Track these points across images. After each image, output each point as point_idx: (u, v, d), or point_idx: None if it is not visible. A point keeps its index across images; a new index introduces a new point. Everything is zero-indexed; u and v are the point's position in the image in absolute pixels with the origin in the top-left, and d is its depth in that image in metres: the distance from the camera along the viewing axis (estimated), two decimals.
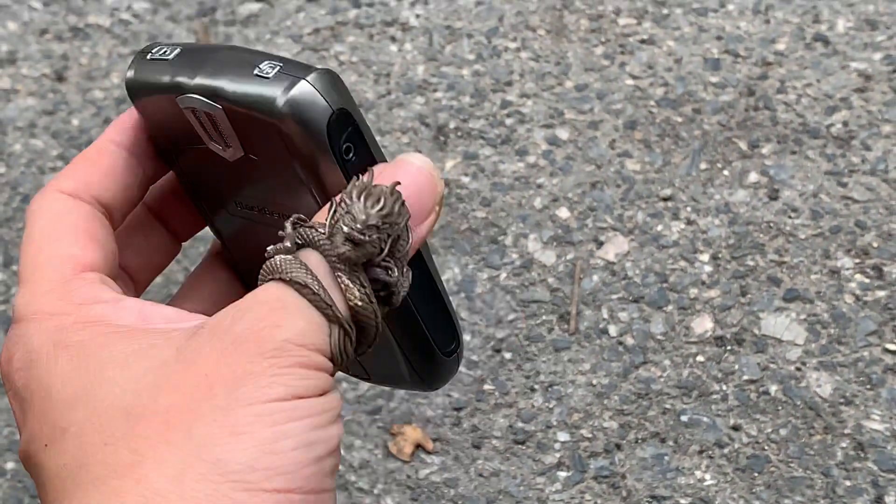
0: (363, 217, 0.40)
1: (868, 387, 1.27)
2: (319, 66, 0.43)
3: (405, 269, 0.41)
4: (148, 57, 0.46)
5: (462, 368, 1.30)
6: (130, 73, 0.46)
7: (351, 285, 0.40)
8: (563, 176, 1.45)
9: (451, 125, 1.51)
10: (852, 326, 1.31)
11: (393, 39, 1.60)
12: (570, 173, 1.46)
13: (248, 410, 0.37)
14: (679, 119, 1.50)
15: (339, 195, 0.41)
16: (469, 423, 1.27)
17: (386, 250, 0.40)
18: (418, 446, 1.26)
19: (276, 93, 0.42)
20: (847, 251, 1.37)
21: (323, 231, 0.40)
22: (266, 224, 0.48)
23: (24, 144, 1.51)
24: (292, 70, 0.43)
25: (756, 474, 1.22)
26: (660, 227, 1.40)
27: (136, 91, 0.46)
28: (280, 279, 0.39)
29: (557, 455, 1.25)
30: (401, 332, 0.46)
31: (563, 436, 1.26)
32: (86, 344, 0.40)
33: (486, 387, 1.30)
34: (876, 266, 1.36)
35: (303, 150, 0.43)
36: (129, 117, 0.47)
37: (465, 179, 1.45)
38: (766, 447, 1.24)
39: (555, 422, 1.27)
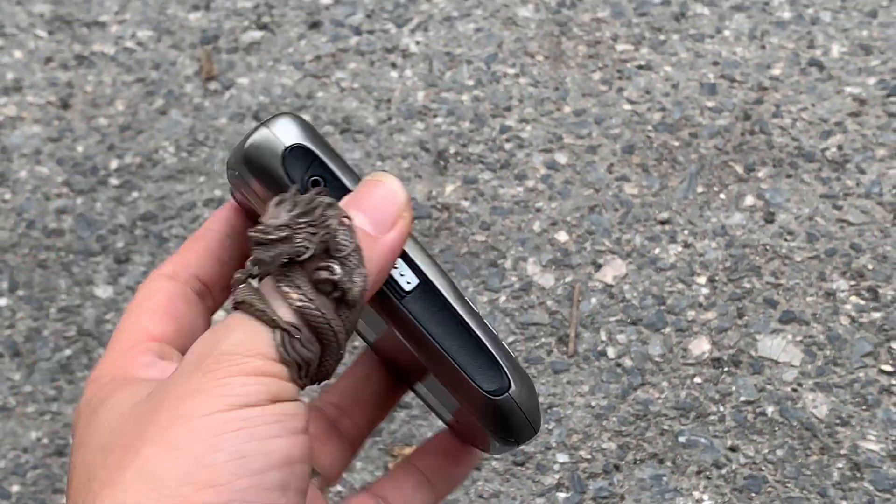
0: (269, 221, 0.42)
1: (864, 408, 1.28)
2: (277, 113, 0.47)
3: (356, 268, 0.42)
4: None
5: None
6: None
7: (287, 290, 0.41)
8: (562, 200, 1.47)
9: (451, 150, 1.52)
10: (848, 348, 1.33)
11: (393, 66, 1.62)
12: (568, 197, 1.47)
13: (184, 426, 0.38)
14: (676, 143, 1.52)
15: None
16: None
17: (312, 249, 0.41)
18: None
19: (244, 142, 0.46)
20: (842, 273, 1.39)
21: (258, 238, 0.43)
22: None
23: (30, 171, 1.53)
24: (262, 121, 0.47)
25: (753, 495, 1.23)
26: (657, 250, 1.42)
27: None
28: (233, 306, 0.42)
29: (557, 476, 1.26)
30: (441, 373, 0.47)
31: (562, 457, 1.27)
32: (104, 402, 0.42)
33: None
34: (871, 288, 1.38)
35: (260, 190, 0.46)
36: (230, 206, 0.50)
37: (465, 203, 1.47)
38: (763, 468, 1.25)
39: (554, 443, 1.28)
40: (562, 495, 1.25)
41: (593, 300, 1.38)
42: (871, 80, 1.56)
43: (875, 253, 1.40)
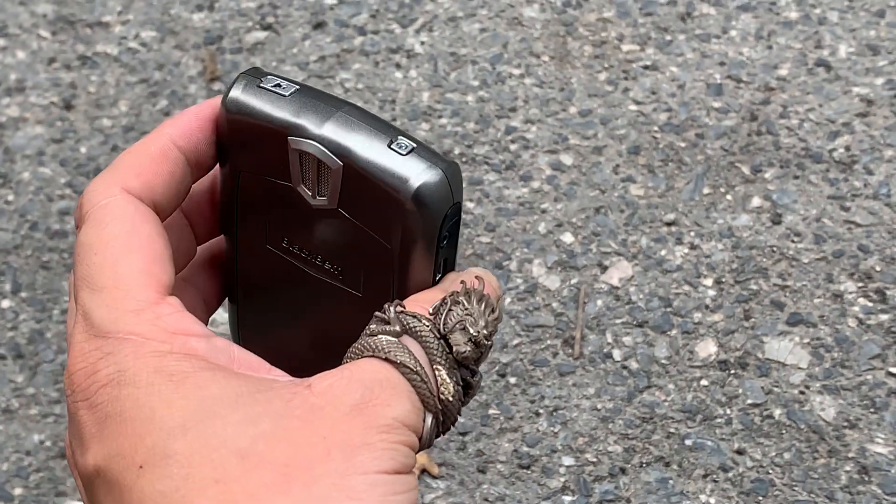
0: (483, 323, 0.44)
1: (872, 410, 1.28)
2: (446, 157, 0.47)
3: (481, 373, 0.46)
4: (260, 84, 0.47)
5: None
6: (237, 93, 0.47)
7: (448, 381, 0.44)
8: (567, 201, 1.46)
9: (456, 151, 1.52)
10: (856, 350, 1.32)
11: (398, 66, 1.61)
12: (574, 198, 1.47)
13: (363, 479, 0.40)
14: (682, 144, 1.51)
15: (451, 294, 0.45)
16: (474, 448, 1.28)
17: (485, 355, 0.45)
18: (423, 471, 1.26)
19: (412, 174, 0.45)
20: (850, 275, 1.38)
21: (428, 324, 0.44)
22: (309, 266, 0.49)
23: (33, 172, 1.53)
24: (426, 155, 0.45)
25: (760, 498, 1.23)
26: (663, 252, 1.41)
27: (238, 110, 0.47)
28: (386, 359, 0.43)
29: (562, 479, 1.25)
30: None
31: (567, 460, 1.27)
32: (190, 376, 0.41)
33: (491, 411, 1.30)
34: (879, 290, 1.37)
35: (413, 231, 0.46)
36: (195, 121, 0.48)
37: (470, 205, 1.46)
38: (771, 471, 1.24)
39: (560, 446, 1.27)
40: (567, 498, 1.24)
41: (599, 302, 1.37)
42: (879, 81, 1.55)
43: (883, 255, 1.39)
